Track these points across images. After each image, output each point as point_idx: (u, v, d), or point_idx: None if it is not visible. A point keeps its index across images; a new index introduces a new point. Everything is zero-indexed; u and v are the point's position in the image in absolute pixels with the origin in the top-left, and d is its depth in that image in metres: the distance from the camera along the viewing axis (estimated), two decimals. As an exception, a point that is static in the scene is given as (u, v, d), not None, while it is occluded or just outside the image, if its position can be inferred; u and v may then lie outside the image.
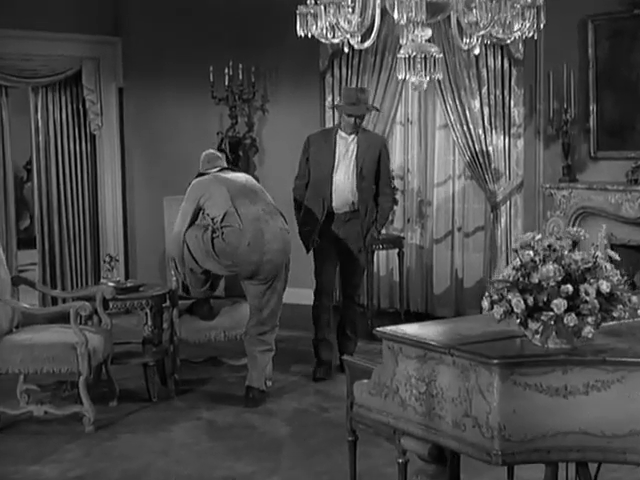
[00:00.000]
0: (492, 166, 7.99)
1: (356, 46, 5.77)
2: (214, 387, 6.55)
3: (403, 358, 3.44)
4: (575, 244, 3.22)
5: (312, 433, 5.60)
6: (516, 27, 5.43)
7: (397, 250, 8.31)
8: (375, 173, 6.56)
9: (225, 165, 6.44)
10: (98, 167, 9.01)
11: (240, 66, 8.85)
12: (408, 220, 8.73)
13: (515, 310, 3.13)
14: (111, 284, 6.19)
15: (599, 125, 7.51)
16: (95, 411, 5.65)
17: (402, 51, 5.83)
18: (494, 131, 7.94)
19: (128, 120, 9.05)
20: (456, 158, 8.40)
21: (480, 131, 7.97)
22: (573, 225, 7.48)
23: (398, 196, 8.29)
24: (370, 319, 7.94)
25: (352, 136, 6.52)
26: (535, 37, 5.33)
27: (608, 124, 7.47)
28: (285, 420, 5.85)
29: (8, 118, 8.37)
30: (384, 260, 8.82)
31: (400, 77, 5.84)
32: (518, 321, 3.20)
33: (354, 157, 6.49)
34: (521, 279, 3.18)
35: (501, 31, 5.52)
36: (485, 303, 3.24)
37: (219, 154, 6.59)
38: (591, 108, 7.51)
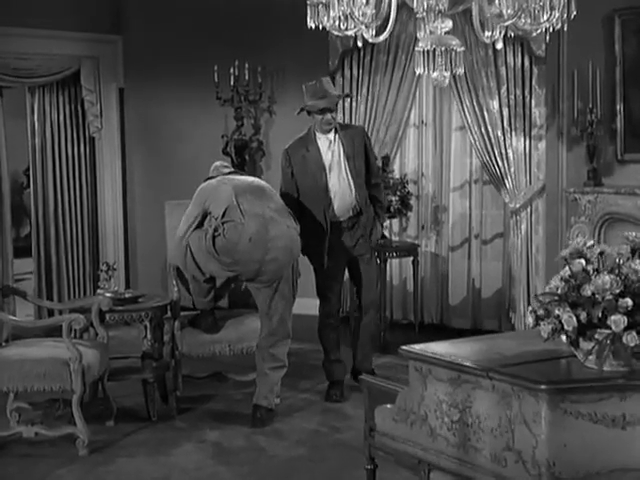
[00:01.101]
0: (512, 170, 7.61)
1: (370, 39, 5.40)
2: (219, 405, 6.13)
3: (433, 381, 3.03)
4: (634, 252, 2.79)
5: (324, 456, 5.18)
6: (545, 17, 5.04)
7: (411, 258, 7.88)
8: (364, 166, 6.13)
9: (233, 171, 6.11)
10: (97, 171, 8.68)
11: (246, 66, 8.46)
12: (422, 227, 8.35)
13: (566, 327, 2.71)
14: (108, 295, 5.80)
15: (626, 126, 7.12)
16: (89, 432, 5.23)
17: (421, 44, 5.45)
18: (514, 133, 7.59)
19: (129, 122, 8.73)
20: (473, 161, 8.04)
21: (499, 133, 7.61)
22: (599, 232, 7.07)
23: (412, 201, 7.87)
24: (383, 331, 7.52)
25: (332, 134, 6.05)
26: (565, 28, 4.96)
27: (636, 125, 7.07)
28: (295, 442, 5.42)
29: (3, 120, 8.01)
30: (397, 269, 8.42)
31: (418, 72, 5.47)
32: (568, 340, 2.78)
33: (342, 156, 6.03)
34: (571, 292, 2.76)
35: (528, 22, 5.16)
36: (529, 319, 2.83)
37: (228, 164, 6.24)
38: (618, 108, 7.13)
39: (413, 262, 7.88)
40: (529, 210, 7.61)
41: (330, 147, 6.05)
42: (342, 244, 6.07)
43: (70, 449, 5.20)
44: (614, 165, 7.22)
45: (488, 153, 7.65)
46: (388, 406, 3.27)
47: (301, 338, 6.85)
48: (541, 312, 2.80)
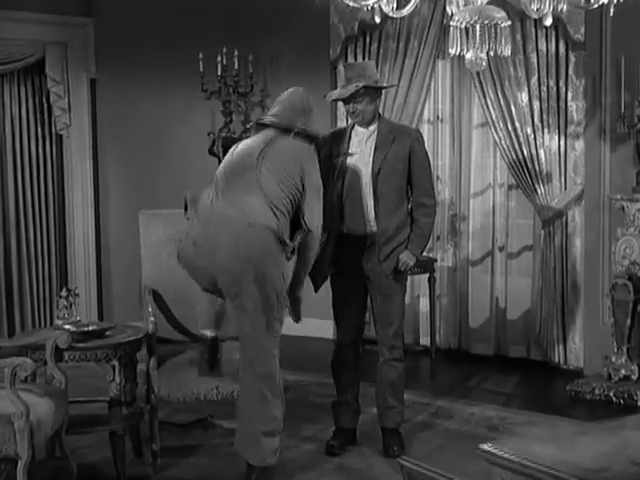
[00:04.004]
0: (543, 173, 6.73)
1: (391, 13, 4.51)
2: (204, 460, 5.04)
3: (534, 503, 1.95)
4: None
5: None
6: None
7: (427, 275, 6.85)
8: (406, 178, 5.01)
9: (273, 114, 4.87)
10: (65, 173, 7.81)
11: (235, 53, 7.86)
12: (438, 238, 7.42)
13: None
14: (67, 327, 4.76)
15: (683, 122, 6.15)
16: (40, 505, 4.16)
17: (457, 18, 4.47)
18: (546, 130, 6.75)
19: (102, 118, 7.91)
20: (497, 163, 7.17)
21: (529, 130, 6.78)
22: (650, 246, 6.06)
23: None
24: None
25: (371, 128, 5.00)
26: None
27: (694, 120, 6.11)
28: (299, 514, 4.37)
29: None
30: (408, 286, 7.38)
31: (452, 52, 4.50)
32: None
33: (371, 157, 4.97)
34: None
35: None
36: None
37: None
38: (673, 100, 6.16)
39: (429, 279, 6.87)
40: (564, 220, 6.75)
41: (361, 144, 5.00)
42: (356, 263, 4.99)
43: (15, 528, 4.12)
44: (668, 167, 6.29)
45: (515, 153, 6.82)
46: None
47: (302, 367, 6.20)
48: None
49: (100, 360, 4.72)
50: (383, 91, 5.25)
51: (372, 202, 4.92)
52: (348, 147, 4.99)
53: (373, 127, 4.99)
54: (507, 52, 4.44)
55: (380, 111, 6.40)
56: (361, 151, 4.97)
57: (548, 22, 4.64)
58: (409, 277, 6.99)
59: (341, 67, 5.25)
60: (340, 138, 5.04)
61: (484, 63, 4.45)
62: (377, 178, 4.90)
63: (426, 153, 5.10)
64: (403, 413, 5.20)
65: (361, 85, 4.86)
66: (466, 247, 7.33)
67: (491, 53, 4.41)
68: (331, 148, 5.02)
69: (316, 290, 5.08)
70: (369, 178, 4.92)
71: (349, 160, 4.97)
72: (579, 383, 6.16)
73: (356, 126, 5.02)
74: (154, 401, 4.84)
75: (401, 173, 4.95)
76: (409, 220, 5.00)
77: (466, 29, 4.39)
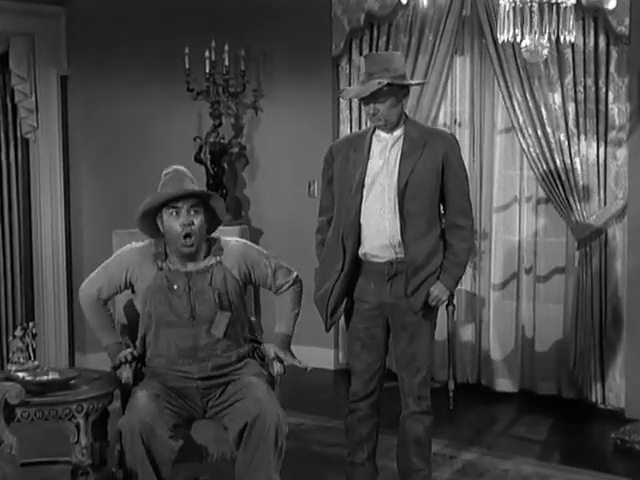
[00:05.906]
0: (579, 185, 6.07)
1: None
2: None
3: None
4: None
5: None
6: None
7: (445, 303, 6.02)
8: (438, 194, 4.22)
9: None
10: (32, 183, 7.25)
11: (225, 48, 7.40)
12: (456, 258, 6.63)
13: None
14: (22, 375, 4.03)
15: None
16: None
17: None
18: (583, 137, 6.10)
19: (73, 120, 7.36)
20: (525, 174, 6.53)
21: (562, 136, 6.14)
22: None
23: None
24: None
25: (396, 133, 4.20)
26: None
27: None
28: None
29: None
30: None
31: (503, 39, 3.68)
32: None
33: (396, 167, 4.17)
34: None
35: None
36: None
37: None
38: None
39: (447, 307, 6.06)
40: (603, 238, 6.08)
41: (384, 151, 4.20)
42: (376, 296, 4.19)
43: None
44: None
45: (546, 163, 6.19)
46: None
47: (302, 405, 5.66)
48: None
49: (61, 418, 3.93)
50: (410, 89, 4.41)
51: (398, 223, 4.09)
52: (368, 156, 4.16)
53: (398, 132, 4.16)
54: (572, 38, 3.67)
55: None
56: (384, 161, 4.14)
57: (612, 5, 3.86)
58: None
59: (361, 58, 4.40)
60: (358, 145, 4.21)
61: (546, 51, 3.67)
62: (404, 194, 4.07)
63: (462, 163, 4.28)
64: (430, 476, 4.37)
65: (385, 82, 4.03)
66: (488, 269, 6.65)
67: (547, 41, 3.64)
68: (347, 156, 4.20)
69: (327, 329, 4.28)
70: (394, 194, 4.09)
71: (369, 171, 4.15)
72: (626, 430, 5.36)
73: (377, 130, 4.19)
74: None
75: (433, 187, 4.13)
76: (442, 245, 4.18)
77: (520, 10, 3.61)
